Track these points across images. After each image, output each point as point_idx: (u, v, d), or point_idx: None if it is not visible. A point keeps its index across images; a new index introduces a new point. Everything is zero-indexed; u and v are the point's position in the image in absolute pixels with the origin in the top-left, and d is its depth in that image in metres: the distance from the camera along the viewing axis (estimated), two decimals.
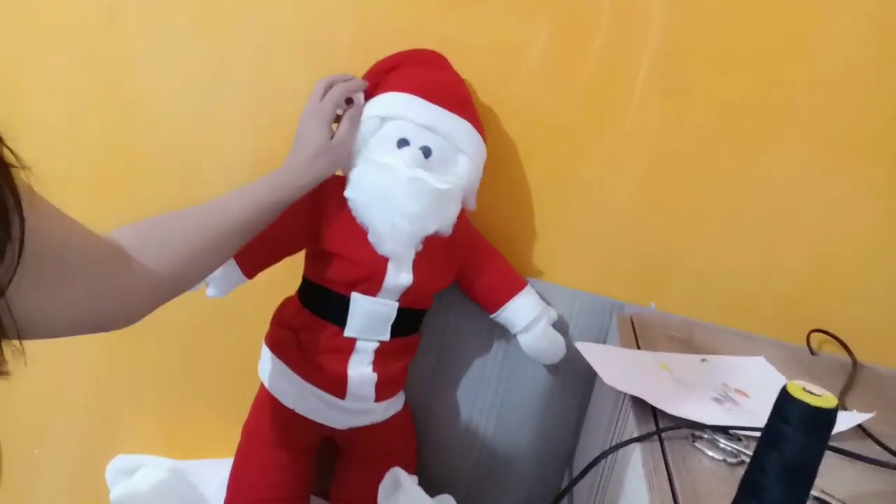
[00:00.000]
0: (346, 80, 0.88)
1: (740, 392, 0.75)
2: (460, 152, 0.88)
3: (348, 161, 0.87)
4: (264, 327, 0.98)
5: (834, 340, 0.96)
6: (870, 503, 0.58)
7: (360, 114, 0.87)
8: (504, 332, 1.01)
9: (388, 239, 0.84)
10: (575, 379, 1.04)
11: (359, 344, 0.88)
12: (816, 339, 0.97)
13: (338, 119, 0.87)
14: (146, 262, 0.64)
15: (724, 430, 0.63)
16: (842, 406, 0.77)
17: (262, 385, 0.98)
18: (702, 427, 0.63)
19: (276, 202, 0.78)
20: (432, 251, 0.88)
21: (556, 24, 0.95)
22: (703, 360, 0.83)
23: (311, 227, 0.89)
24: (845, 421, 0.69)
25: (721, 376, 0.78)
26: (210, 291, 0.90)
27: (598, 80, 0.96)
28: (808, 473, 0.47)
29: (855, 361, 0.92)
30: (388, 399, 0.94)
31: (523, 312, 0.96)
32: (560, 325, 1.01)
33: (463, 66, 0.95)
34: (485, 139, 0.92)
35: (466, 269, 0.95)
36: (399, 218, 0.83)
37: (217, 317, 1.13)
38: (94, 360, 1.19)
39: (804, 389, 0.47)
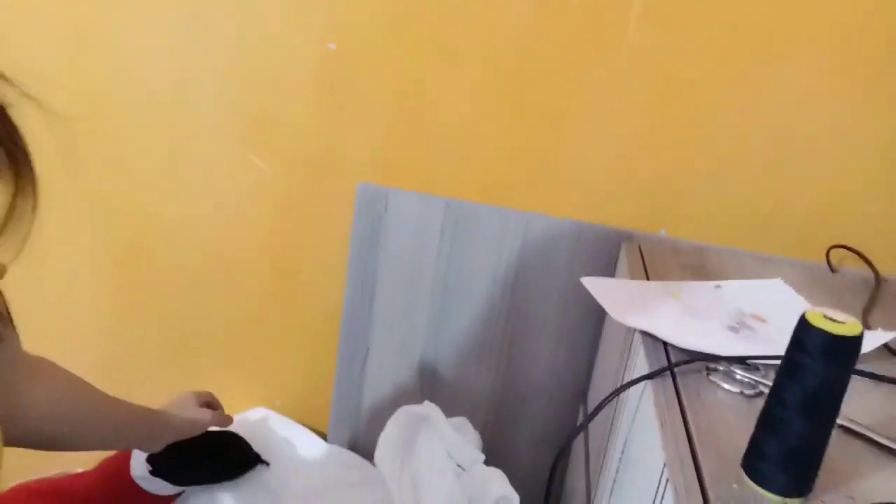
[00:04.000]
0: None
1: (757, 318, 0.71)
2: None
3: None
4: None
5: (855, 255, 0.91)
6: None
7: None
8: (512, 267, 0.98)
9: None
10: (586, 314, 1.01)
11: None
12: (836, 255, 0.92)
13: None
14: (37, 400, 0.65)
15: (740, 361, 0.60)
16: (865, 325, 0.73)
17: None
18: (716, 359, 0.60)
19: (140, 437, 0.81)
20: None
21: None
22: (717, 287, 0.79)
23: None
24: (869, 341, 0.65)
25: (736, 302, 0.74)
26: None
27: (588, 8, 0.89)
28: (831, 405, 0.44)
29: (878, 275, 0.87)
30: None
31: None
32: (568, 259, 0.97)
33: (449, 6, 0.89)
34: None
35: None
36: None
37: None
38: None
39: (825, 317, 0.43)
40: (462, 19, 0.93)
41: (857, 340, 0.42)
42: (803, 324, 0.43)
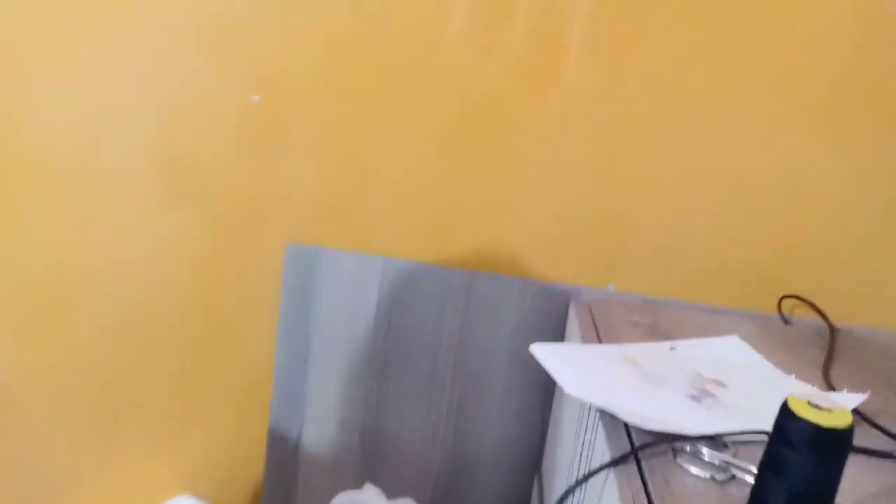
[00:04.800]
0: None
1: (716, 382, 0.67)
2: None
3: None
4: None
5: (807, 305, 0.89)
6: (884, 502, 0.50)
7: None
8: (457, 328, 0.92)
9: None
10: (536, 376, 0.95)
11: None
12: (788, 304, 0.90)
13: None
14: None
15: (708, 439, 0.55)
16: (829, 385, 0.69)
17: None
18: (682, 438, 0.54)
19: None
20: None
21: None
22: (672, 349, 0.74)
23: None
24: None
25: (694, 365, 0.70)
26: None
27: (528, 46, 0.86)
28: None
29: (831, 326, 0.85)
30: None
31: None
32: (515, 319, 0.91)
33: (382, 39, 0.84)
34: None
35: None
36: None
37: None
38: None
39: (809, 404, 0.38)
40: (394, 68, 0.89)
41: (848, 433, 0.37)
42: (787, 413, 0.38)
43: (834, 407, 0.37)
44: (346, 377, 0.98)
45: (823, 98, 0.85)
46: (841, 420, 0.36)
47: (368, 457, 1.00)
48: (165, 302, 1.00)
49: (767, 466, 0.39)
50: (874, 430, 0.61)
